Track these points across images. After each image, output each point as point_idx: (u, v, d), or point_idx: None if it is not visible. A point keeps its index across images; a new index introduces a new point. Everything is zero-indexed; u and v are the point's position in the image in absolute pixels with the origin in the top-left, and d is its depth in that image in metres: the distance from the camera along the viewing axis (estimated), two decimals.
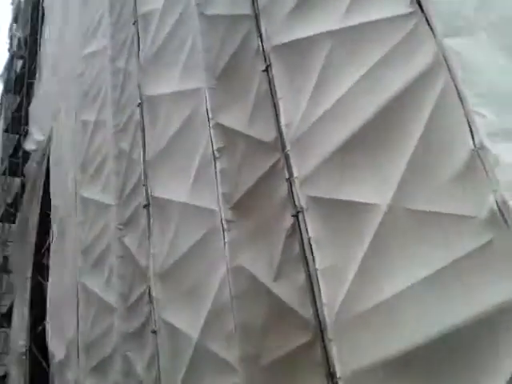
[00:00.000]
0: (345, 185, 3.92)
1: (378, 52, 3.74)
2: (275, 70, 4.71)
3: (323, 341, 3.87)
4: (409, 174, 3.43)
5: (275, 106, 4.63)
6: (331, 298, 3.85)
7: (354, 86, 3.90)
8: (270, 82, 4.72)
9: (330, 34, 4.18)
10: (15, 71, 17.65)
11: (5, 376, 12.62)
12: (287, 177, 4.37)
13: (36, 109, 13.55)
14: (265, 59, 4.81)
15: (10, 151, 16.48)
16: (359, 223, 3.72)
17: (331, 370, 3.77)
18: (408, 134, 3.46)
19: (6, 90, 18.36)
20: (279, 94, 4.61)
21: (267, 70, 4.77)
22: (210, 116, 5.59)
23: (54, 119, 11.61)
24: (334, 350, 3.78)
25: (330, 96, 4.09)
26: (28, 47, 16.05)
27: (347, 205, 3.87)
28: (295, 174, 4.31)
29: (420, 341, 3.20)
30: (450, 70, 3.23)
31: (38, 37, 14.28)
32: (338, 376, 3.71)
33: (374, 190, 3.68)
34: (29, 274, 11.61)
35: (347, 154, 3.92)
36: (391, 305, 3.43)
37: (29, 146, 13.12)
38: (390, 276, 3.49)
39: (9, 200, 15.73)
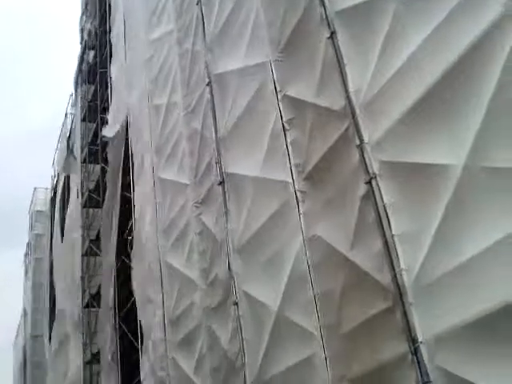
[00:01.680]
0: (418, 147, 3.84)
1: (443, 8, 3.62)
2: (340, 36, 4.64)
3: (403, 306, 3.83)
4: (483, 131, 3.33)
5: (342, 73, 4.57)
6: (410, 262, 3.81)
7: (421, 46, 3.79)
8: (336, 49, 4.66)
9: None
10: (88, 62, 18.20)
11: (98, 352, 13.26)
12: (358, 143, 4.33)
13: (112, 96, 13.93)
14: (329, 26, 4.74)
15: (89, 139, 17.06)
16: (435, 185, 3.65)
17: (412, 334, 3.74)
18: (480, 91, 3.34)
19: (81, 81, 18.96)
20: (346, 60, 4.54)
21: (332, 36, 4.71)
22: (278, 89, 5.60)
23: (127, 106, 11.91)
24: (414, 315, 3.73)
25: (397, 57, 4.00)
26: (98, 38, 16.49)
27: (421, 167, 3.80)
28: (366, 140, 4.25)
29: (504, 301, 3.13)
30: None
31: (108, 27, 14.62)
32: (419, 341, 3.67)
33: (449, 150, 3.59)
34: (114, 255, 12.07)
35: (418, 115, 3.83)
36: (473, 266, 3.35)
37: (107, 133, 13.47)
38: (469, 237, 3.41)
39: (91, 186, 16.35)
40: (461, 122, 3.51)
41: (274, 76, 5.68)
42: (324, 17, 4.83)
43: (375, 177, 4.12)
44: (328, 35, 4.75)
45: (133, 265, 10.47)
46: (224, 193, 6.72)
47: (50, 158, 24.80)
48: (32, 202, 29.07)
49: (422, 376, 3.65)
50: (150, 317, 9.31)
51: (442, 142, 3.66)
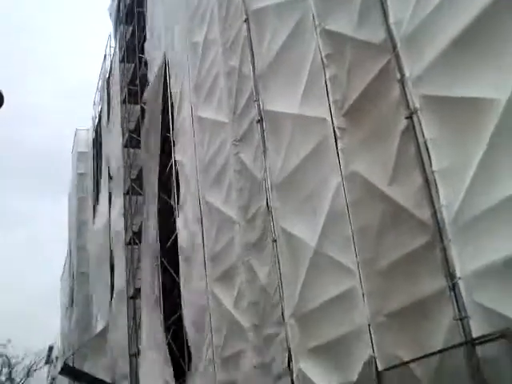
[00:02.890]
0: (461, 81, 3.73)
1: None
2: None
3: (442, 242, 3.83)
4: None
5: (383, 5, 4.43)
6: (450, 198, 3.78)
7: None
8: None
9: None
10: (125, 2, 17.99)
11: (139, 289, 13.64)
12: (399, 77, 4.23)
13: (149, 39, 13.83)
14: None
15: (128, 80, 17.05)
16: (477, 120, 3.56)
17: (451, 270, 3.75)
18: None
19: (119, 22, 18.79)
20: None
21: None
22: (317, 23, 5.46)
23: (166, 46, 11.82)
24: (453, 251, 3.74)
25: None
26: None
27: (463, 102, 3.70)
28: (407, 74, 4.16)
29: None
30: None
31: None
32: (458, 276, 3.69)
33: (493, 84, 3.48)
34: (155, 194, 12.23)
35: (462, 48, 3.71)
36: None
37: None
38: None
39: (131, 126, 16.44)
40: (506, 56, 3.40)
41: (314, 9, 5.53)
42: None
43: (416, 111, 4.05)
44: None
45: (178, 204, 10.57)
46: (262, 130, 6.69)
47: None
48: (74, 143, 29.48)
49: (459, 311, 3.68)
50: (190, 253, 9.52)
51: (486, 76, 3.55)
